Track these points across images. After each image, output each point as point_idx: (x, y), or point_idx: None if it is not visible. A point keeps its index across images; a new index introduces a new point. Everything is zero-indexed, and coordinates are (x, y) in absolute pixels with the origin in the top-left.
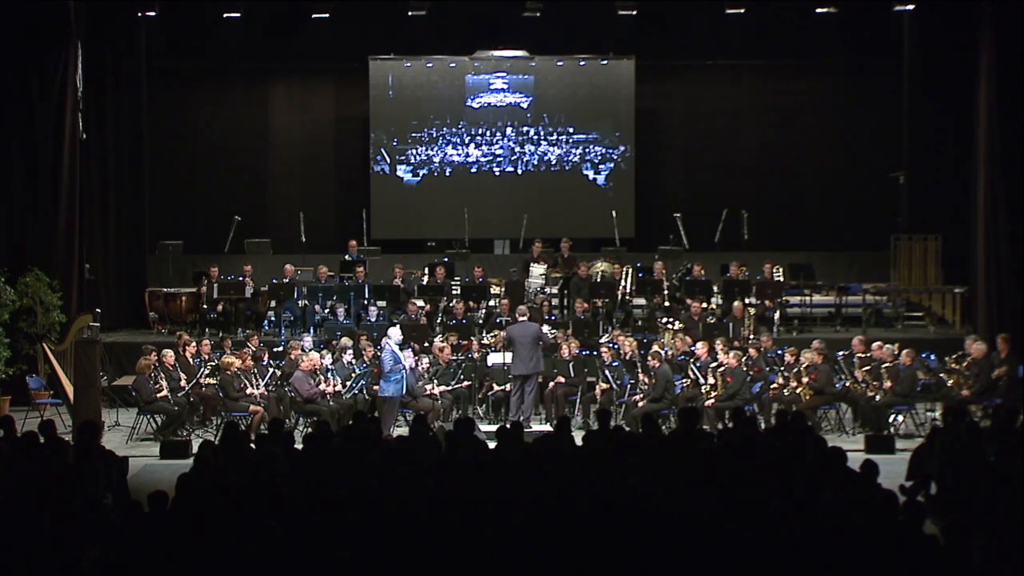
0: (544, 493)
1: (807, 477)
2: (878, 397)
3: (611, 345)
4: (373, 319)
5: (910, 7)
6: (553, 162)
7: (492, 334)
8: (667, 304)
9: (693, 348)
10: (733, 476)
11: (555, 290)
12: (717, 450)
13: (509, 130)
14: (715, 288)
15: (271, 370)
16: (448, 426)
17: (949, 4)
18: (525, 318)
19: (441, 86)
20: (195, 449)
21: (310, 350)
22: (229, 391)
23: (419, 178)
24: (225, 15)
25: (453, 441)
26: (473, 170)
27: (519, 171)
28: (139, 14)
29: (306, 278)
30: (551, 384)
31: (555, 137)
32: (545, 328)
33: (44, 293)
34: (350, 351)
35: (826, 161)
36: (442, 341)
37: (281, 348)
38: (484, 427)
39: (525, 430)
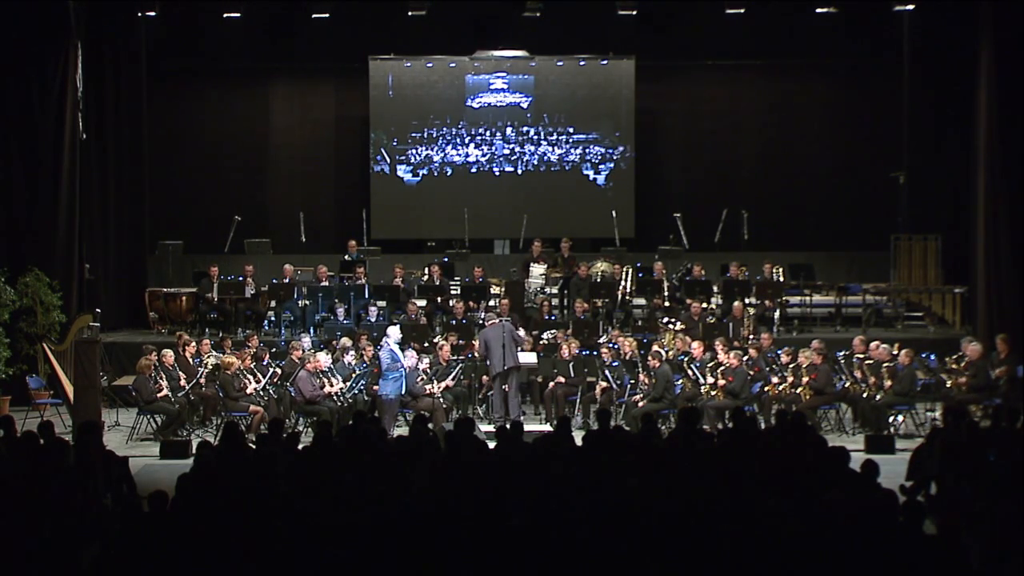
0: (544, 493)
1: (807, 477)
2: (878, 397)
3: (611, 345)
4: (373, 319)
5: (910, 7)
6: (553, 162)
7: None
8: (667, 304)
9: (691, 348)
10: (733, 476)
11: (555, 290)
12: (717, 450)
13: (509, 130)
14: (715, 288)
15: (271, 370)
16: (448, 426)
17: (949, 4)
18: (496, 320)
19: (441, 86)
20: (195, 449)
21: (309, 350)
22: (229, 391)
23: (419, 178)
24: (225, 15)
25: (453, 441)
26: (473, 170)
27: (519, 171)
28: (139, 14)
29: (306, 278)
30: (551, 384)
31: (555, 137)
32: (521, 332)
33: (44, 293)
34: (351, 351)
35: (826, 161)
36: (443, 340)
37: (282, 348)
38: (484, 427)
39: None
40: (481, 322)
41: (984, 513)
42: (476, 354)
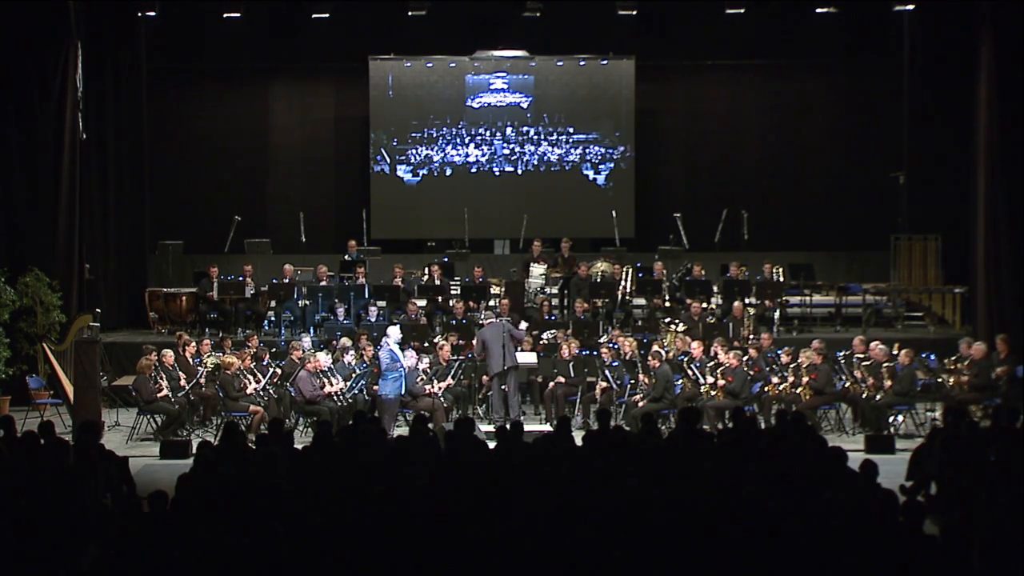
0: (544, 493)
1: (807, 477)
2: (878, 397)
3: (611, 345)
4: (373, 319)
5: (910, 7)
6: (553, 162)
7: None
8: (667, 304)
9: (691, 348)
10: (733, 476)
11: (555, 290)
12: (717, 450)
13: (509, 130)
14: (715, 288)
15: (271, 370)
16: (448, 426)
17: (949, 4)
18: (493, 319)
19: (441, 86)
20: (195, 449)
21: (309, 350)
22: (229, 391)
23: (419, 178)
24: (225, 15)
25: (453, 441)
26: (473, 170)
27: (519, 171)
28: (139, 14)
29: (306, 278)
30: (551, 384)
31: (555, 137)
32: (523, 325)
33: (44, 293)
34: (351, 351)
35: (826, 161)
36: (443, 340)
37: (282, 348)
38: (484, 427)
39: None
40: (481, 322)
41: (984, 513)
42: (475, 354)
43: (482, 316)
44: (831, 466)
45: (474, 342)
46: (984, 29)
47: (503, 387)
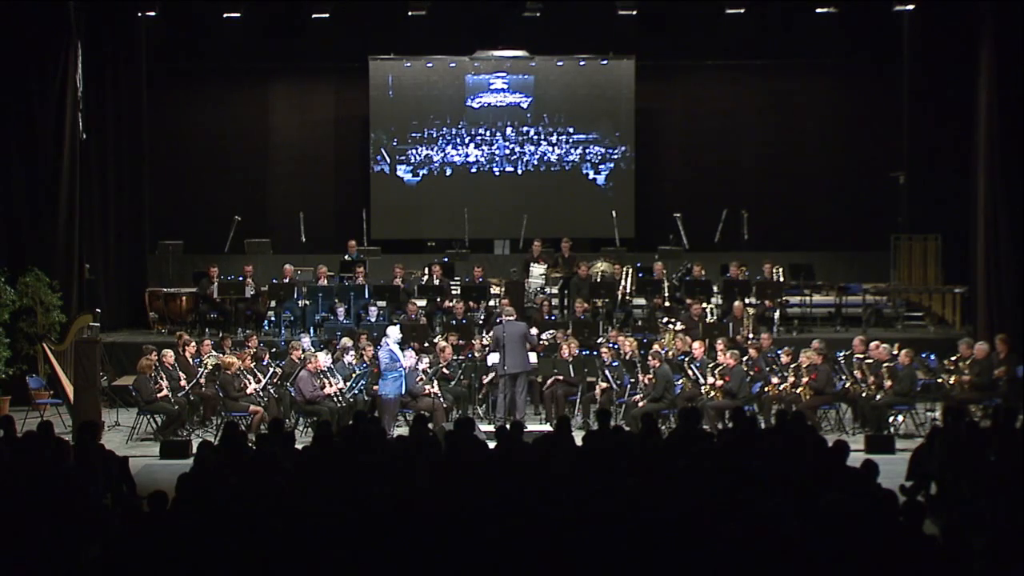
0: (544, 493)
1: (807, 477)
2: (878, 397)
3: (611, 345)
4: (373, 319)
5: (910, 7)
6: (553, 162)
7: (491, 334)
8: (667, 304)
9: (692, 348)
10: (733, 476)
11: (555, 290)
12: (717, 450)
13: (509, 130)
14: (715, 288)
15: (271, 370)
16: (448, 426)
17: (949, 4)
18: (512, 317)
19: (441, 86)
20: (195, 449)
21: (309, 350)
22: (229, 391)
23: (419, 178)
24: (225, 15)
25: (453, 441)
26: (473, 170)
27: (519, 171)
28: (139, 14)
29: (306, 278)
30: (551, 384)
31: (555, 137)
32: (534, 330)
33: (44, 293)
34: (351, 351)
35: (826, 161)
36: (443, 341)
37: (282, 348)
38: (484, 427)
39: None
40: (498, 320)
41: (984, 513)
42: (477, 354)
43: (501, 315)
44: (831, 460)
45: (489, 336)
46: (984, 29)
47: (514, 387)
